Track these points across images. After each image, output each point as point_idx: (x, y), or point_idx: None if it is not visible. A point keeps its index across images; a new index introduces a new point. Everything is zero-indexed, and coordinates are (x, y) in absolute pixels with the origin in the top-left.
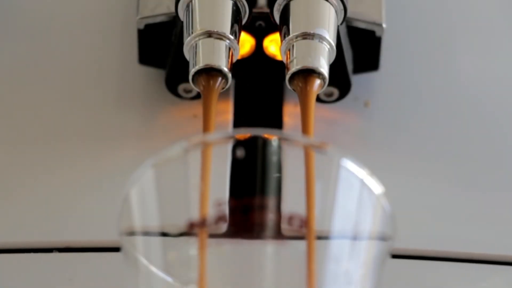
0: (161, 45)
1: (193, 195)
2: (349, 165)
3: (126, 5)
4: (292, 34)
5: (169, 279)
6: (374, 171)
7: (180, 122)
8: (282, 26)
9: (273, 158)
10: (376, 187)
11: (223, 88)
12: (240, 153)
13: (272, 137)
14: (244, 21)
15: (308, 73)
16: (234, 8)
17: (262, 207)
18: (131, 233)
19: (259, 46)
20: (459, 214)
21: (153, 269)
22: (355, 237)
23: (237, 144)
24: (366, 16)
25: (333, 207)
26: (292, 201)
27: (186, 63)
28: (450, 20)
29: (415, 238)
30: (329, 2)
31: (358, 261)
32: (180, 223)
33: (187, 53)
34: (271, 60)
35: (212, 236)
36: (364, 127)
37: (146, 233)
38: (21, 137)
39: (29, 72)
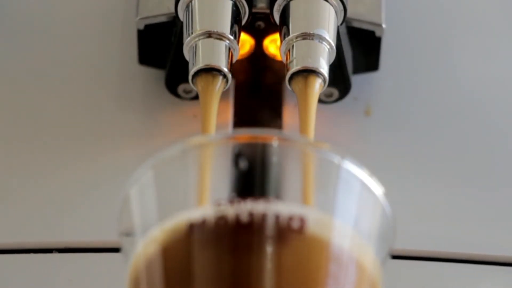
0: (161, 46)
1: (193, 195)
2: (349, 166)
3: (126, 5)
4: (292, 34)
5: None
6: (374, 172)
7: (180, 122)
8: (282, 26)
9: (273, 159)
10: (376, 188)
11: (223, 88)
12: (243, 164)
13: (272, 137)
14: (243, 22)
15: (308, 74)
16: (234, 8)
17: (262, 208)
18: (131, 233)
19: (259, 46)
20: (459, 215)
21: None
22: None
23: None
24: (366, 17)
25: (333, 208)
26: (292, 202)
27: (186, 64)
28: (450, 20)
29: (415, 238)
30: (329, 3)
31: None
32: (179, 224)
33: (186, 53)
34: (271, 60)
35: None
36: (364, 127)
37: (146, 233)
38: (22, 137)
39: (29, 72)
